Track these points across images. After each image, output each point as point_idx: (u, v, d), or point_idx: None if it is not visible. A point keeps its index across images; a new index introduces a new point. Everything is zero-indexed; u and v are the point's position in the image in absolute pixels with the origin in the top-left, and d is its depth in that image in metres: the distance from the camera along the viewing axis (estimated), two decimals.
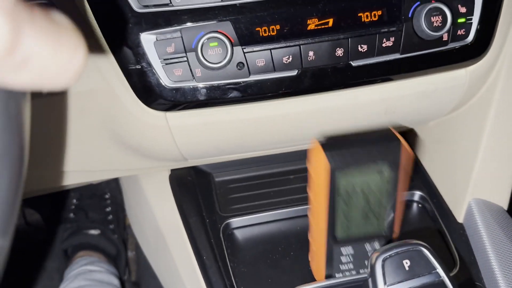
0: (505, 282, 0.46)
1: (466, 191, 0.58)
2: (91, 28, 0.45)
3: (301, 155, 0.68)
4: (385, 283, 0.34)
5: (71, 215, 0.98)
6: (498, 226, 0.52)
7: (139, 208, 0.74)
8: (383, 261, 0.35)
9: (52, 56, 0.19)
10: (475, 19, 0.49)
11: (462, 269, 0.54)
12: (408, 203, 0.63)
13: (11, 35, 0.17)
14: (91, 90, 0.50)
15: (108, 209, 0.97)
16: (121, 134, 0.53)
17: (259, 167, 0.68)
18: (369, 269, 0.35)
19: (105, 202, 0.98)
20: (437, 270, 0.34)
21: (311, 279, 0.53)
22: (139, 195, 0.72)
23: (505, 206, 0.57)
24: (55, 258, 1.01)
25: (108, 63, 0.47)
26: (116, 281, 0.84)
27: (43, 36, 0.18)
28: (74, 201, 1.01)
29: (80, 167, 0.59)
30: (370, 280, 0.35)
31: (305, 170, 0.69)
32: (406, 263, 0.35)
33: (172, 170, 0.66)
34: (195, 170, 0.67)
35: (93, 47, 0.46)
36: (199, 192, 0.63)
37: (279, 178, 0.68)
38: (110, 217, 0.96)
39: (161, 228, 0.63)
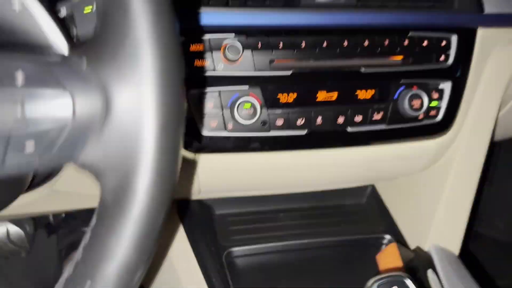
0: None
1: (426, 238, 0.71)
2: None
3: (292, 197, 0.80)
4: None
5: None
6: (453, 271, 0.65)
7: None
8: (378, 286, 0.46)
9: None
10: (444, 104, 0.63)
11: None
12: (379, 245, 0.75)
13: None
14: None
15: None
16: None
17: (256, 203, 0.78)
18: None
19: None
20: None
21: None
22: None
23: (457, 252, 0.71)
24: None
25: None
26: None
27: None
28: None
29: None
30: None
31: (293, 209, 0.80)
32: None
33: (178, 202, 0.75)
34: (199, 203, 0.76)
35: None
36: (204, 223, 0.73)
37: (271, 215, 0.78)
38: None
39: (170, 257, 0.70)
